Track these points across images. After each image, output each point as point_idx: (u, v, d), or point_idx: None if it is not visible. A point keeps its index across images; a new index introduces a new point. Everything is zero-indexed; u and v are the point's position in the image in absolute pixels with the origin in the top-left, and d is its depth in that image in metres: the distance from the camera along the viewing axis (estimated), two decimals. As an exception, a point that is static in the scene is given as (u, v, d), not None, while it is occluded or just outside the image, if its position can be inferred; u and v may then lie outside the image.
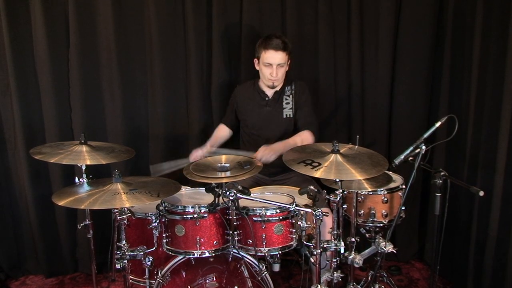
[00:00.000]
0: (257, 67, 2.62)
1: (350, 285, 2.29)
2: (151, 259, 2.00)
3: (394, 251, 2.21)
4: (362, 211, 2.33)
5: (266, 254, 1.99)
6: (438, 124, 2.08)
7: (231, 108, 2.78)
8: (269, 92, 2.66)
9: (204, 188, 1.99)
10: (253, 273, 2.08)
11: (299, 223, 1.97)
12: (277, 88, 2.65)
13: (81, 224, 2.22)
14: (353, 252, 2.16)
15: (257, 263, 2.06)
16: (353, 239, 2.18)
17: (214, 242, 1.97)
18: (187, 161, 2.40)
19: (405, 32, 2.87)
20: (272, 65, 2.50)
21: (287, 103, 2.64)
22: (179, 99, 2.95)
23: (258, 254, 1.99)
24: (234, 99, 2.76)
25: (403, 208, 2.28)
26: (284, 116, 2.64)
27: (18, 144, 2.80)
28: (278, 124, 2.65)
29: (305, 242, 1.97)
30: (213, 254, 1.99)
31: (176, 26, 2.84)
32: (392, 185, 2.36)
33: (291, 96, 2.65)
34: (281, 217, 1.97)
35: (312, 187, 1.96)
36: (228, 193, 1.84)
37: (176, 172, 2.28)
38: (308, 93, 2.68)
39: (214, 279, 2.11)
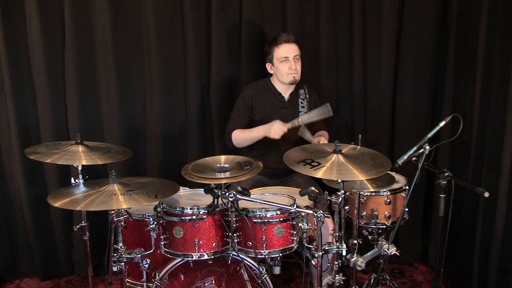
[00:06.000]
0: (271, 71, 2.59)
1: (352, 288, 2.26)
2: (148, 262, 1.98)
3: (397, 254, 2.21)
4: (364, 213, 2.30)
5: (266, 256, 1.96)
6: (442, 123, 2.06)
7: (246, 112, 2.59)
8: (286, 94, 2.62)
9: (203, 189, 1.97)
10: (253, 276, 2.05)
11: (300, 224, 1.94)
12: (292, 90, 2.61)
13: (77, 226, 2.19)
14: (355, 254, 2.14)
15: (257, 265, 2.03)
16: (355, 241, 2.16)
17: (213, 244, 1.94)
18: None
19: (408, 29, 2.85)
20: (288, 58, 2.48)
21: (303, 107, 2.62)
22: (177, 98, 2.92)
23: (258, 256, 1.96)
24: (249, 101, 2.59)
25: (407, 209, 2.25)
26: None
27: (13, 144, 2.77)
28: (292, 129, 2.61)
29: (306, 244, 1.94)
30: (212, 257, 1.96)
31: (174, 23, 2.81)
32: (395, 186, 2.34)
33: (305, 100, 2.64)
34: (281, 219, 1.94)
35: (313, 188, 1.95)
36: (227, 194, 1.82)
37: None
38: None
39: (213, 282, 2.09)
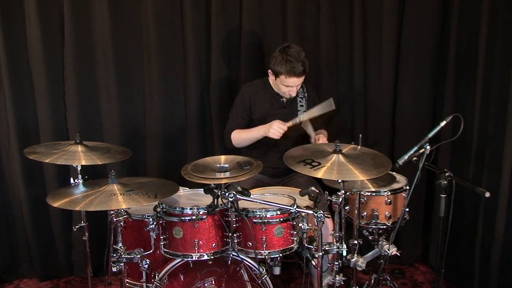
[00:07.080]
0: (271, 77, 2.54)
1: (353, 288, 2.25)
2: (148, 262, 1.97)
3: (398, 254, 2.21)
4: (365, 213, 2.29)
5: (266, 257, 1.95)
6: (443, 123, 2.06)
7: (245, 111, 2.57)
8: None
9: (202, 189, 1.96)
10: (253, 277, 2.05)
11: (300, 225, 1.94)
12: None
13: (77, 226, 2.19)
14: (355, 254, 2.14)
15: (257, 266, 2.02)
16: (355, 242, 2.15)
17: (213, 244, 1.93)
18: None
19: (409, 29, 2.84)
20: (292, 87, 2.45)
21: (301, 106, 2.61)
22: (177, 97, 2.91)
23: (258, 257, 1.95)
24: (247, 101, 2.57)
25: (407, 209, 2.25)
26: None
27: (12, 144, 2.76)
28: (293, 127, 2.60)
29: (306, 245, 1.94)
30: (212, 257, 1.95)
31: (174, 23, 2.80)
32: (395, 186, 2.33)
33: (304, 99, 2.62)
34: (281, 219, 1.93)
35: (313, 188, 1.94)
36: (227, 194, 1.81)
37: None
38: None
39: (213, 283, 2.08)
